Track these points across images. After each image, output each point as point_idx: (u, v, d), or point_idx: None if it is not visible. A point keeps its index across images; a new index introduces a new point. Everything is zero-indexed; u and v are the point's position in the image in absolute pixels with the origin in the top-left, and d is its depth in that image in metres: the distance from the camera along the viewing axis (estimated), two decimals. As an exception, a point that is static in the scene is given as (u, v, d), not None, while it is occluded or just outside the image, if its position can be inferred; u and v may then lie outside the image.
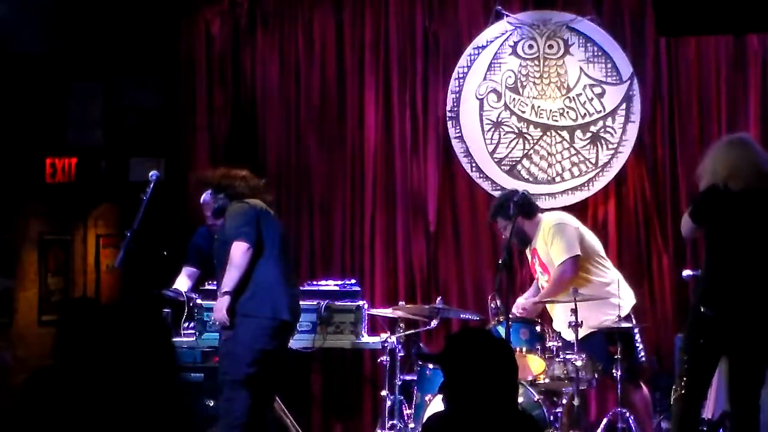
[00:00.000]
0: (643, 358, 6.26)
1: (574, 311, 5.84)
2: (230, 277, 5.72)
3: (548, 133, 7.35)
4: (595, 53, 7.28)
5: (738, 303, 4.97)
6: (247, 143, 7.75)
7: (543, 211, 6.48)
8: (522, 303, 6.28)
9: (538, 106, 7.35)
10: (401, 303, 6.69)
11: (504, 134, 7.40)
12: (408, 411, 6.10)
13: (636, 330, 6.16)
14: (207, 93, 7.81)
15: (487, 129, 7.42)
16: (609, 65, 7.26)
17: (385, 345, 6.18)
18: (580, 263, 6.16)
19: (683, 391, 5.01)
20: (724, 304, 4.98)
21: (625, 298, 6.15)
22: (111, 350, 3.78)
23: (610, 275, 6.26)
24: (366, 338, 6.50)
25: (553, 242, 6.20)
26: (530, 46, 7.38)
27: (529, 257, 6.47)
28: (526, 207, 6.24)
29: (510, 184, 7.30)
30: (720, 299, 4.99)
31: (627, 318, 6.16)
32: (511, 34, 7.41)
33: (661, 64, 7.24)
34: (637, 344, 6.17)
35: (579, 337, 5.95)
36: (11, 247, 8.07)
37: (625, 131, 7.23)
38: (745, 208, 4.98)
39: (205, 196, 7.00)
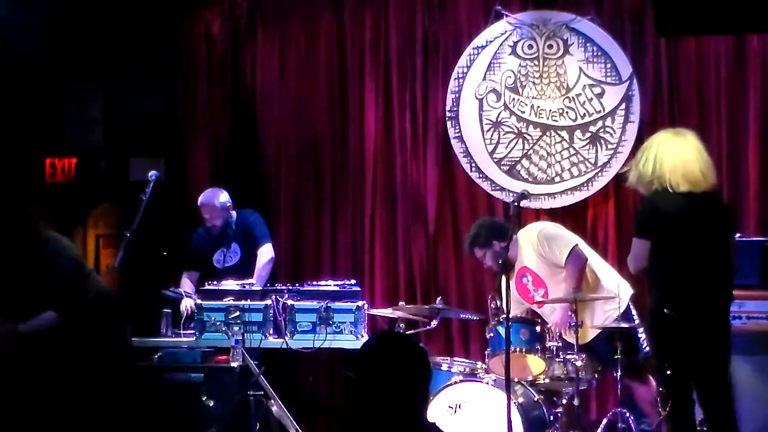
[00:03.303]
0: (647, 349, 6.24)
1: (575, 312, 5.85)
2: None
3: (548, 133, 7.35)
4: (595, 53, 7.28)
5: (698, 304, 5.01)
6: (246, 143, 7.75)
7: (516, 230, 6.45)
8: (554, 321, 6.15)
9: (538, 106, 7.35)
10: (401, 303, 6.69)
11: (503, 134, 7.41)
12: (408, 411, 6.09)
13: (638, 322, 6.16)
14: (207, 93, 7.81)
15: (486, 129, 7.42)
16: (608, 65, 7.26)
17: (385, 345, 6.16)
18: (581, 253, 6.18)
19: (672, 404, 5.00)
20: (686, 305, 4.99)
21: (622, 289, 6.17)
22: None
23: (601, 270, 6.27)
24: (366, 338, 6.48)
25: (549, 246, 6.20)
26: (530, 46, 7.38)
27: (513, 281, 6.30)
28: (497, 229, 6.24)
29: (509, 184, 7.31)
30: (681, 301, 5.00)
31: (627, 310, 6.16)
32: (510, 34, 7.41)
33: (661, 64, 7.24)
34: (640, 336, 6.16)
35: (586, 341, 6.00)
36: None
37: (624, 131, 7.23)
38: (693, 211, 5.02)
39: (203, 198, 7.02)
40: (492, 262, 6.28)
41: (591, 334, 6.10)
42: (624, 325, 5.97)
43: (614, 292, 6.06)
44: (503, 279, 5.53)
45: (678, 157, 5.05)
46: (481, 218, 6.70)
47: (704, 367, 5.05)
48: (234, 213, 7.06)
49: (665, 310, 5.00)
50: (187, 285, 6.97)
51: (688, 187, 5.01)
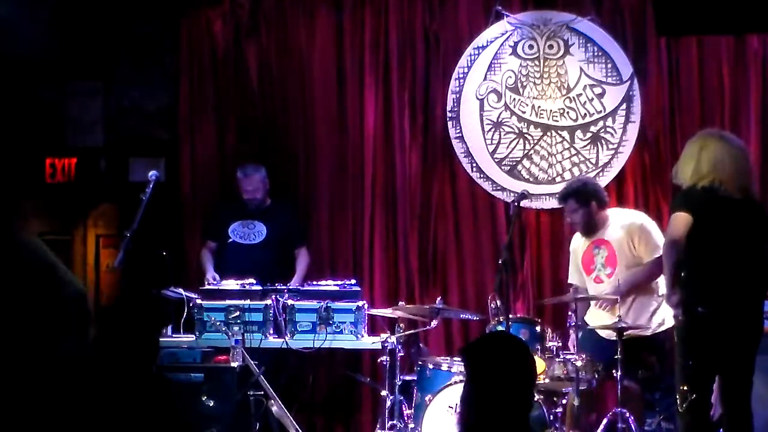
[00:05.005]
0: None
1: (575, 311, 5.87)
2: None
3: (548, 134, 7.35)
4: (596, 53, 7.28)
5: (733, 303, 5.05)
6: (247, 144, 7.74)
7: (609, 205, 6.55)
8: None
9: (539, 107, 7.35)
10: (401, 303, 6.69)
11: (504, 134, 7.40)
12: (408, 411, 6.11)
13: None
14: (207, 93, 7.79)
15: (487, 129, 7.41)
16: (609, 65, 7.26)
17: (385, 345, 6.18)
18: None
19: (691, 399, 5.03)
20: (720, 302, 5.03)
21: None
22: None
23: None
24: (366, 338, 6.49)
25: (646, 239, 6.22)
26: (530, 47, 7.38)
27: (581, 250, 6.41)
28: (601, 196, 6.35)
29: (510, 184, 7.31)
30: (716, 298, 5.04)
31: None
32: (511, 35, 7.41)
33: (662, 64, 7.24)
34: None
35: (647, 334, 6.13)
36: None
37: (625, 131, 7.23)
38: (734, 213, 5.08)
39: (248, 169, 7.05)
40: (579, 221, 6.34)
41: (653, 328, 6.17)
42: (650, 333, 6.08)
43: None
44: (502, 277, 5.53)
45: (735, 171, 5.12)
46: (588, 177, 6.78)
47: (733, 365, 5.10)
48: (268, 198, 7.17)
49: (699, 308, 5.04)
50: (211, 261, 7.12)
51: (739, 196, 5.10)
